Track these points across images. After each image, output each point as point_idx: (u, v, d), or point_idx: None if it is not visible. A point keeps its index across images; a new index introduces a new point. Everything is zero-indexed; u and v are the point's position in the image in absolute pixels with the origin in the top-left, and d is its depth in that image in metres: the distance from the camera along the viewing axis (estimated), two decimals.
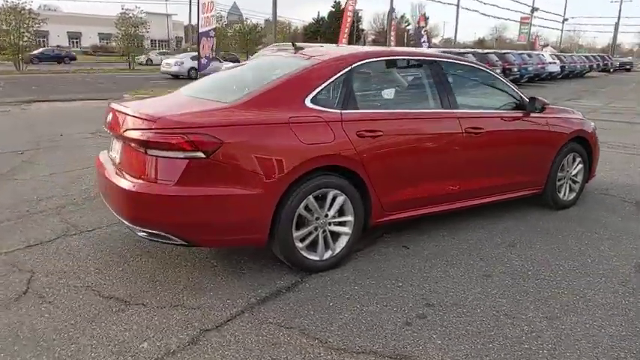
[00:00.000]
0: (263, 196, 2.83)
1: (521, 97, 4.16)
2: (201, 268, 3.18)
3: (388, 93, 3.56)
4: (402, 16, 72.46)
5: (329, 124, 3.07)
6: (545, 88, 22.04)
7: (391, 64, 3.59)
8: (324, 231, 3.14)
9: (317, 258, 3.12)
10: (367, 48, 4.19)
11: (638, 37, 58.71)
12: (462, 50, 18.72)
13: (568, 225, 4.17)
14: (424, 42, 28.26)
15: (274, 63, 3.66)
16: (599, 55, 41.87)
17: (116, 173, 3.00)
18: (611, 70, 41.34)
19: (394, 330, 2.52)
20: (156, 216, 2.74)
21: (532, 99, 4.14)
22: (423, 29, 29.15)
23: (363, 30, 66.36)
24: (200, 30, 14.94)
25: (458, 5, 29.71)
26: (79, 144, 7.39)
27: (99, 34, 62.25)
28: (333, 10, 64.54)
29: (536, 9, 42.57)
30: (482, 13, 34.38)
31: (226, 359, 2.27)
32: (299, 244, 3.04)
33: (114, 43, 41.67)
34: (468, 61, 4.19)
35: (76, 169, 5.78)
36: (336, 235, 3.21)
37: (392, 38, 25.95)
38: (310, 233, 3.08)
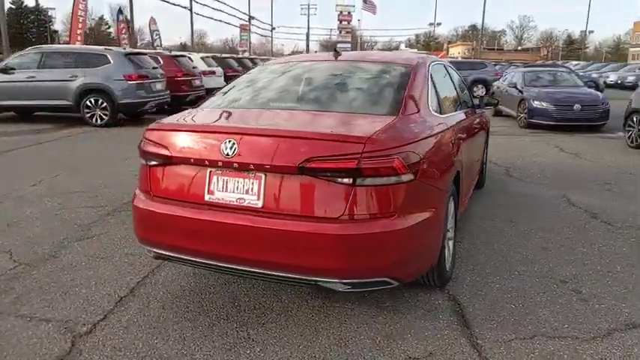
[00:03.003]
0: (442, 212, 2.60)
1: (471, 95, 4.81)
2: (334, 317, 2.64)
3: (443, 95, 3.62)
4: (101, 17, 66.92)
5: (450, 129, 2.99)
6: None
7: (438, 67, 3.66)
8: (447, 240, 3.05)
9: (448, 269, 3.01)
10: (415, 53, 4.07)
11: (318, 45, 71.41)
12: (225, 55, 18.43)
13: (505, 199, 5.06)
14: (158, 46, 27.04)
15: (353, 70, 3.18)
16: None
17: (274, 218, 2.19)
18: None
19: (584, 309, 2.75)
20: (379, 259, 2.18)
21: (481, 97, 4.86)
22: (155, 32, 27.93)
23: (56, 31, 58.10)
24: None
25: (191, 11, 29.46)
26: None
27: None
28: (14, 7, 54.26)
29: (253, 17, 46.46)
30: (208, 17, 34.92)
31: None
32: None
33: None
34: (451, 65, 4.57)
35: None
36: (447, 242, 3.14)
37: (126, 41, 23.61)
38: (444, 246, 2.95)
